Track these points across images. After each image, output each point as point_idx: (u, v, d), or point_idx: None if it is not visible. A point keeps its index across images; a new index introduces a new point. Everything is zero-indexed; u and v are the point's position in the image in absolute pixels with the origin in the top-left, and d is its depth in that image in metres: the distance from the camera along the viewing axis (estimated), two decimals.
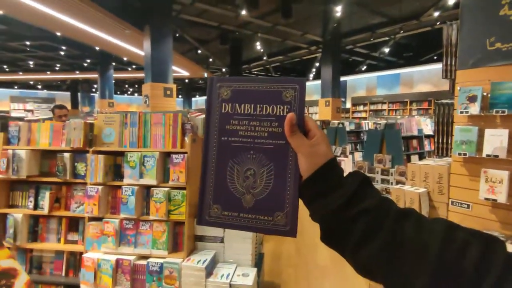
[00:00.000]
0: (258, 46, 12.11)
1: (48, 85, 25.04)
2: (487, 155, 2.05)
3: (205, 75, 16.52)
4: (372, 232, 0.42)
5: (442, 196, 2.39)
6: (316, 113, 15.93)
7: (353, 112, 15.68)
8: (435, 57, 13.83)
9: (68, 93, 23.93)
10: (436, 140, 2.64)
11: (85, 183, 2.28)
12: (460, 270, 0.37)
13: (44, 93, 25.34)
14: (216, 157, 0.51)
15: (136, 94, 29.53)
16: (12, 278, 0.64)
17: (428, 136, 5.53)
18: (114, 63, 15.80)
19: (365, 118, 13.44)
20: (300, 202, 0.49)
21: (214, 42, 13.27)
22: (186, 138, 2.23)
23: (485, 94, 2.10)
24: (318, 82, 13.99)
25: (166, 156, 2.23)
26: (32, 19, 8.23)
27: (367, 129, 7.49)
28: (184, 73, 15.57)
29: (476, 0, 2.21)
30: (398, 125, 4.99)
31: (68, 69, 18.97)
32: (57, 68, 18.99)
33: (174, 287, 2.04)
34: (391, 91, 15.67)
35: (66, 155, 2.31)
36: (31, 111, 13.42)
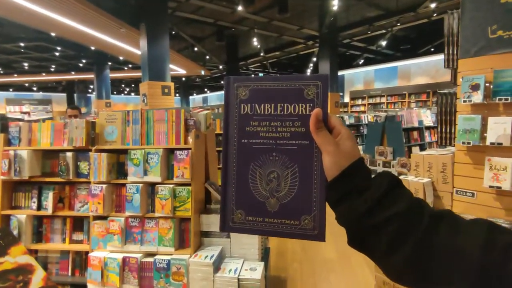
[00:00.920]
0: (255, 42, 12.05)
1: (44, 87, 24.83)
2: (491, 143, 2.05)
3: (202, 72, 16.44)
4: (403, 237, 0.40)
5: (447, 186, 2.40)
6: None
7: (352, 106, 15.67)
8: (432, 49, 13.83)
9: (64, 95, 23.77)
10: (439, 130, 2.64)
11: (89, 182, 2.27)
12: (505, 276, 0.34)
13: (40, 94, 25.15)
14: (237, 160, 0.49)
15: (133, 94, 29.37)
16: (30, 274, 0.64)
17: (428, 128, 5.54)
18: (110, 63, 15.70)
19: (364, 112, 13.44)
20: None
21: (210, 39, 13.20)
22: (189, 134, 2.22)
23: (487, 85, 2.10)
24: None
25: (170, 153, 2.22)
26: (25, 19, 8.14)
27: (366, 122, 7.50)
28: (181, 71, 15.49)
29: None
30: (398, 117, 4.99)
31: (64, 70, 18.81)
32: (52, 69, 18.83)
33: (182, 283, 2.04)
34: (389, 84, 15.67)
35: (69, 154, 2.29)
36: (27, 113, 13.33)
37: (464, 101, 2.17)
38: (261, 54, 14.47)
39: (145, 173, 2.16)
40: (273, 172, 0.47)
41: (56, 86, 24.29)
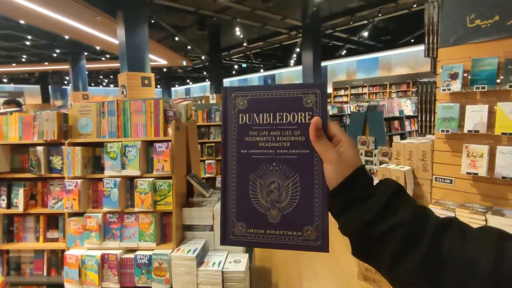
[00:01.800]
0: (238, 32, 11.83)
1: (15, 78, 23.52)
2: (468, 131, 2.10)
3: (184, 63, 16.06)
4: (409, 246, 0.38)
5: (426, 173, 2.45)
6: None
7: (335, 96, 15.82)
8: (412, 40, 14.10)
9: (38, 87, 22.63)
10: (419, 118, 2.68)
11: (63, 178, 2.15)
12: None
13: (11, 87, 23.84)
14: (236, 171, 0.48)
15: (112, 86, 28.38)
16: None
17: (408, 117, 5.66)
18: (86, 53, 15.01)
19: (346, 102, 13.60)
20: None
21: (191, 29, 12.86)
22: (169, 126, 2.14)
23: (465, 75, 2.13)
24: (299, 68, 13.95)
25: (149, 145, 2.13)
26: None
27: (349, 112, 7.59)
28: (162, 61, 15.04)
29: None
30: (380, 107, 5.07)
31: (36, 61, 17.83)
32: (23, 60, 17.81)
33: (165, 278, 1.99)
34: (370, 74, 15.90)
35: (39, 148, 2.16)
36: None
37: (444, 90, 2.20)
38: (244, 44, 14.24)
39: (123, 166, 2.07)
40: (273, 183, 0.47)
41: (29, 78, 23.08)
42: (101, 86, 28.79)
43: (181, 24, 12.41)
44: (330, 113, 7.33)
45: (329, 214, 0.46)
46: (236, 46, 15.76)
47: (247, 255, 2.14)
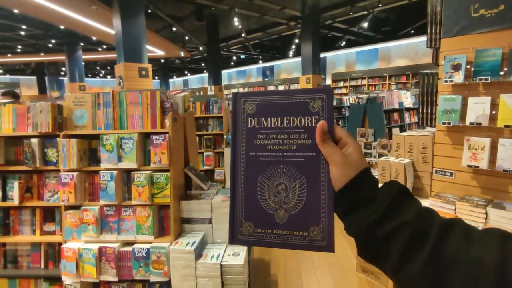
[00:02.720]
0: (236, 22, 11.65)
1: (11, 69, 23.22)
2: (470, 123, 2.07)
3: (182, 54, 15.87)
4: (414, 247, 0.39)
5: (426, 166, 2.43)
6: None
7: (334, 88, 15.74)
8: (412, 31, 13.95)
9: (34, 77, 22.36)
10: (420, 110, 2.64)
11: (58, 170, 2.12)
12: None
13: (7, 78, 23.51)
14: (245, 173, 0.50)
15: (109, 77, 28.09)
16: None
17: (408, 109, 5.63)
18: (82, 43, 14.78)
19: (345, 94, 13.53)
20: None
21: (189, 19, 12.64)
22: (166, 117, 2.09)
23: (468, 66, 2.09)
24: (298, 59, 13.82)
25: (145, 137, 2.09)
26: None
27: (348, 104, 7.54)
28: (160, 52, 14.85)
29: None
30: (379, 99, 5.02)
31: (32, 51, 17.56)
32: (18, 50, 17.53)
33: (163, 271, 1.98)
34: (370, 66, 15.78)
35: (34, 140, 2.12)
36: None
37: (446, 81, 2.16)
38: (243, 35, 14.07)
39: (120, 159, 2.03)
40: (281, 184, 0.48)
41: (25, 69, 22.78)
42: (98, 78, 28.50)
43: (179, 14, 12.19)
44: None
45: (335, 215, 0.46)
46: (234, 37, 15.56)
47: (245, 248, 2.13)
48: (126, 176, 2.09)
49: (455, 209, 2.02)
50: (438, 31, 2.41)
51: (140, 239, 2.06)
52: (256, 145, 0.50)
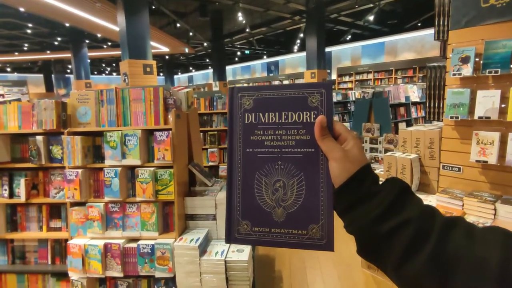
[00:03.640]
0: (240, 17, 11.56)
1: (18, 67, 23.46)
2: (479, 117, 2.02)
3: (186, 50, 15.85)
4: (417, 244, 0.38)
5: (433, 161, 2.39)
6: None
7: (339, 83, 15.55)
8: (419, 24, 13.69)
9: (41, 75, 22.59)
10: (427, 105, 2.59)
11: (63, 167, 2.13)
12: None
13: (15, 76, 23.79)
14: (242, 170, 0.48)
15: (114, 74, 28.24)
16: None
17: (415, 103, 5.53)
18: (87, 41, 14.84)
19: (351, 89, 13.39)
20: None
21: (193, 15, 12.58)
22: (169, 114, 2.09)
23: (477, 59, 2.03)
24: (303, 54, 13.68)
25: (149, 134, 2.09)
26: None
27: (353, 99, 7.45)
28: (164, 49, 14.85)
29: None
30: (385, 93, 4.95)
31: (38, 49, 17.71)
32: (25, 48, 17.69)
33: (168, 267, 1.99)
34: (376, 60, 15.55)
35: (39, 138, 2.13)
36: (2, 95, 12.61)
37: (454, 75, 2.11)
38: (247, 30, 13.96)
39: (124, 156, 2.04)
40: (279, 181, 0.47)
41: (32, 67, 23.02)
42: (103, 75, 28.66)
43: (183, 10, 12.15)
44: (334, 99, 7.21)
45: (334, 213, 0.45)
46: (238, 32, 15.47)
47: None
48: (130, 173, 2.09)
49: (463, 205, 1.98)
50: (446, 22, 2.35)
51: (144, 236, 2.07)
52: (253, 141, 0.48)
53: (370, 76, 14.41)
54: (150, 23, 8.12)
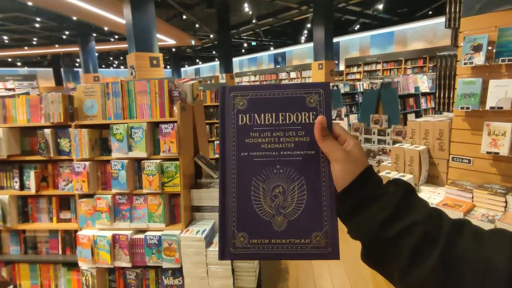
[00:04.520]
0: (247, 8, 11.43)
1: (28, 62, 23.81)
2: (491, 108, 1.96)
3: (193, 42, 15.79)
4: (424, 248, 0.36)
5: (443, 153, 2.34)
6: (309, 77, 15.59)
7: (347, 74, 15.31)
8: (430, 12, 13.30)
9: (51, 69, 22.88)
10: (437, 95, 2.53)
11: (71, 160, 2.16)
12: None
13: (25, 70, 24.16)
14: (236, 176, 0.44)
15: (122, 67, 28.42)
16: None
17: (424, 94, 5.41)
18: (95, 34, 14.92)
19: (359, 80, 13.17)
20: None
21: (199, 6, 12.48)
22: (174, 106, 2.09)
23: (490, 48, 1.96)
24: (310, 44, 13.48)
25: (154, 127, 2.10)
26: None
27: (361, 90, 7.34)
28: (170, 41, 14.84)
29: None
30: (394, 84, 4.84)
31: (47, 43, 17.90)
32: (34, 43, 17.90)
33: (175, 258, 2.02)
34: (385, 50, 15.24)
35: (47, 131, 2.16)
36: (13, 89, 12.83)
37: (465, 64, 2.05)
38: (254, 21, 13.82)
39: (130, 148, 2.05)
40: (278, 187, 0.44)
41: (41, 61, 23.32)
42: (111, 68, 28.87)
43: (189, 2, 12.06)
44: (342, 91, 7.10)
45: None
46: (245, 23, 15.31)
47: None
48: (136, 165, 2.11)
49: (473, 197, 1.95)
50: (458, 9, 2.27)
51: (152, 227, 2.10)
52: (248, 144, 0.45)
53: (379, 66, 14.14)
54: (156, 16, 8.09)
